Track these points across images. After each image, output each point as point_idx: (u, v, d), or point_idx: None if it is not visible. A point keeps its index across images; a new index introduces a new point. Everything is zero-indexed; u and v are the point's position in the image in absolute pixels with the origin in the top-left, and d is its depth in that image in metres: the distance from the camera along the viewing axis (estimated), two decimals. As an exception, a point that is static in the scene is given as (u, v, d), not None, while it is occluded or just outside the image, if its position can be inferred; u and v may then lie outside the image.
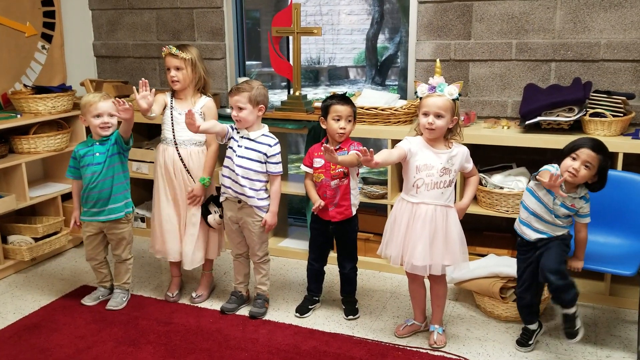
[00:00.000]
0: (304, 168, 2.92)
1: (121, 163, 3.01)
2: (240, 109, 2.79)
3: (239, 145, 2.84)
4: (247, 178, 2.83)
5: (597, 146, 2.43)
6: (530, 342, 2.67)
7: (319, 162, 2.84)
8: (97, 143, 2.96)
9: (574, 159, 2.44)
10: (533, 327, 2.69)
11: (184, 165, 3.02)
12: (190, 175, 3.03)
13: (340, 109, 2.77)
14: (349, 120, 2.78)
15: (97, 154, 2.94)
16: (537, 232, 2.55)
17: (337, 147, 2.79)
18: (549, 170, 2.42)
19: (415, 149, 2.55)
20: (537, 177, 2.47)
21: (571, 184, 2.48)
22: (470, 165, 2.62)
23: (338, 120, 2.77)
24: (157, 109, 2.97)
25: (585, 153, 2.42)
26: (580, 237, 2.58)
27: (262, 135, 2.86)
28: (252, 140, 2.84)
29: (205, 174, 3.04)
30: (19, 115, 3.61)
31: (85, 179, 2.97)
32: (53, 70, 4.13)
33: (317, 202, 2.83)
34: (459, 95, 2.51)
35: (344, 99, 2.81)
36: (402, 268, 2.66)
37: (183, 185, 3.04)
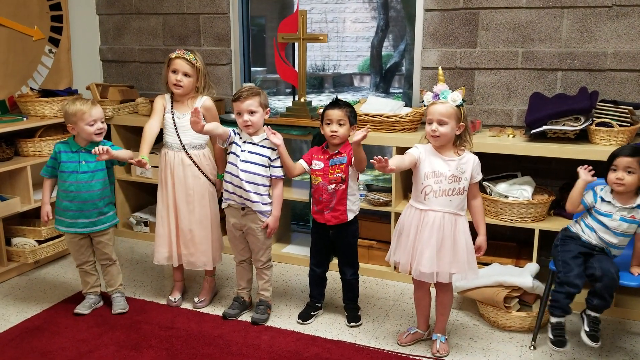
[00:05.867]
0: (301, 162, 2.89)
1: (109, 176, 3.00)
2: (252, 112, 2.79)
3: (242, 150, 2.84)
4: (252, 183, 2.82)
5: (632, 150, 2.49)
6: (566, 337, 2.54)
7: (318, 164, 2.84)
8: (83, 150, 2.91)
9: (614, 170, 2.50)
10: (564, 319, 2.56)
11: (198, 167, 3.01)
12: (206, 176, 3.03)
13: (329, 112, 2.79)
14: (341, 124, 2.78)
15: (83, 162, 2.90)
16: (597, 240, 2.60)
17: (336, 151, 2.80)
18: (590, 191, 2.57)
19: (424, 156, 2.55)
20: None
21: (626, 195, 2.52)
22: (479, 177, 2.58)
23: (329, 124, 2.79)
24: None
25: (621, 161, 2.48)
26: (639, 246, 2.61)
27: (265, 139, 2.86)
28: (256, 144, 2.84)
29: (219, 171, 3.09)
30: (25, 118, 3.62)
31: (66, 185, 2.91)
32: (59, 74, 4.14)
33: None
34: (463, 101, 2.51)
35: (335, 103, 2.83)
36: (406, 275, 2.65)
37: (185, 188, 3.01)
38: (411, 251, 2.58)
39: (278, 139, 2.79)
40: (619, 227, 2.52)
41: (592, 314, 2.52)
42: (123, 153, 2.94)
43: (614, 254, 2.60)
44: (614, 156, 2.52)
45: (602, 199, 2.55)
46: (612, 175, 2.51)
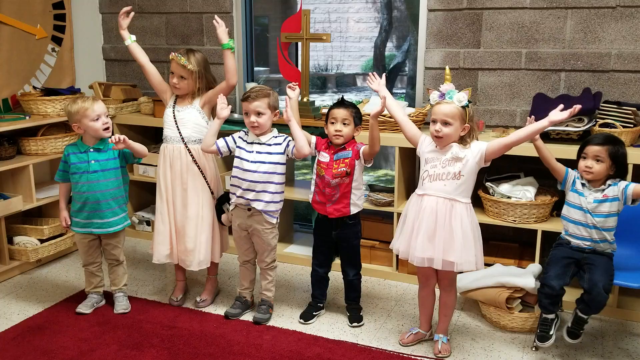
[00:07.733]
0: (313, 138, 2.89)
1: (123, 176, 3.00)
2: (260, 114, 2.79)
3: (250, 151, 2.84)
4: (265, 182, 2.82)
5: (602, 139, 2.52)
6: (551, 333, 2.60)
7: (324, 156, 2.83)
8: (92, 149, 2.91)
9: (584, 158, 2.55)
10: (552, 316, 2.62)
11: (195, 162, 2.99)
12: (202, 172, 3.00)
13: (334, 112, 2.80)
14: (345, 123, 2.78)
15: (93, 162, 2.89)
16: (577, 239, 2.61)
17: (342, 146, 2.80)
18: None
19: (428, 147, 2.58)
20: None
21: (596, 182, 2.55)
22: (484, 145, 2.50)
23: (333, 123, 2.79)
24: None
25: (590, 149, 2.53)
26: None
27: (273, 137, 2.87)
28: (264, 144, 2.84)
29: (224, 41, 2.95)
30: (27, 117, 3.62)
31: (78, 187, 2.91)
32: (62, 73, 4.15)
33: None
34: (469, 102, 2.49)
35: (340, 103, 2.83)
36: (409, 276, 2.64)
37: (180, 182, 2.99)
38: (409, 237, 2.57)
39: (288, 116, 2.78)
40: (595, 209, 2.54)
41: (579, 314, 2.57)
42: (138, 146, 2.92)
43: (606, 249, 2.58)
44: (585, 144, 2.56)
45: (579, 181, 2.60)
46: (581, 163, 2.56)
